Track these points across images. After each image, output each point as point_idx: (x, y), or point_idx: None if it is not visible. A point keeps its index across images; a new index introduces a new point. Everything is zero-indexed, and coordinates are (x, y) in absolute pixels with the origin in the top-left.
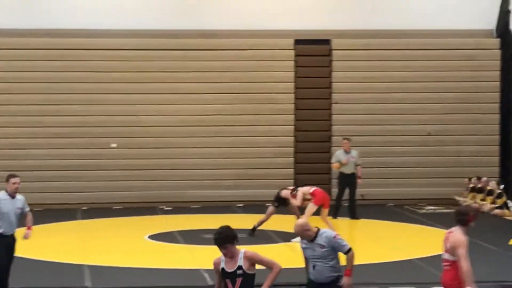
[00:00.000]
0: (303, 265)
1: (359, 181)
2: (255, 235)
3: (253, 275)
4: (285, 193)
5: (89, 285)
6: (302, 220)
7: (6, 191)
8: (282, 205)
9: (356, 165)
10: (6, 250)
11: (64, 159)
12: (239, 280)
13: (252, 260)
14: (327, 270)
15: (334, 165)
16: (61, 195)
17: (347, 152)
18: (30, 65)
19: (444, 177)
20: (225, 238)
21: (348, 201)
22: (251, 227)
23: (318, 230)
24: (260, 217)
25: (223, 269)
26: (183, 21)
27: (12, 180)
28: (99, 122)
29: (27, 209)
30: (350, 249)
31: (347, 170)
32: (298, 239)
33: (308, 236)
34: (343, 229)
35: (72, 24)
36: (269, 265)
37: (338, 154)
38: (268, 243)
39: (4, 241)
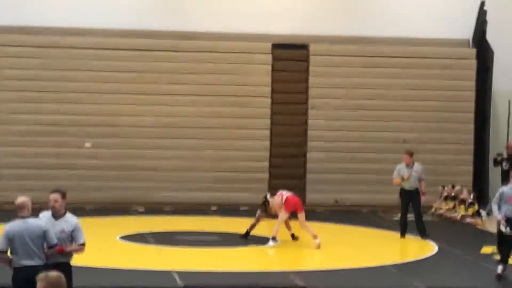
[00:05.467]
0: (275, 269)
1: (423, 197)
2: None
3: None
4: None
5: None
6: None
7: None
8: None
9: (420, 179)
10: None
11: (38, 157)
12: None
13: None
14: None
15: (395, 180)
16: (34, 193)
17: (409, 166)
18: (2, 63)
19: None
20: None
21: (414, 219)
22: (228, 231)
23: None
24: (234, 220)
25: None
26: (159, 22)
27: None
28: (73, 121)
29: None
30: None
31: (408, 185)
32: (271, 243)
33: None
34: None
35: (46, 22)
36: None
37: (400, 168)
38: (239, 246)
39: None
